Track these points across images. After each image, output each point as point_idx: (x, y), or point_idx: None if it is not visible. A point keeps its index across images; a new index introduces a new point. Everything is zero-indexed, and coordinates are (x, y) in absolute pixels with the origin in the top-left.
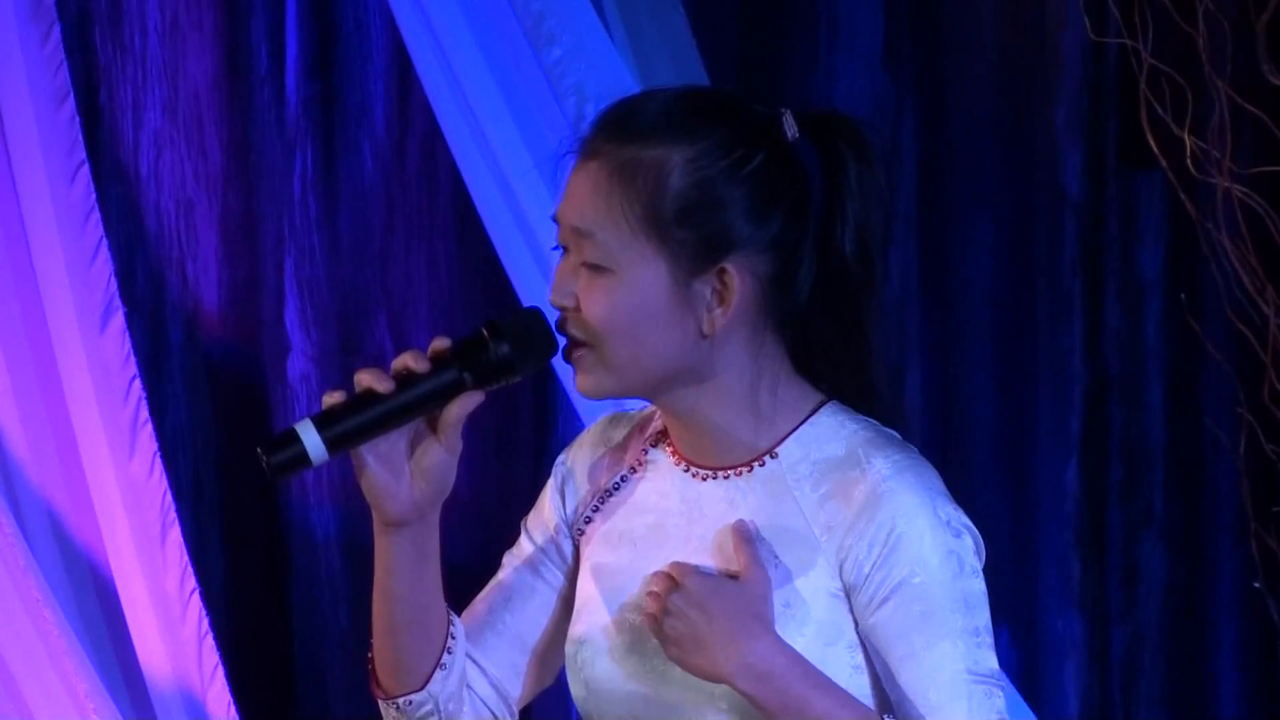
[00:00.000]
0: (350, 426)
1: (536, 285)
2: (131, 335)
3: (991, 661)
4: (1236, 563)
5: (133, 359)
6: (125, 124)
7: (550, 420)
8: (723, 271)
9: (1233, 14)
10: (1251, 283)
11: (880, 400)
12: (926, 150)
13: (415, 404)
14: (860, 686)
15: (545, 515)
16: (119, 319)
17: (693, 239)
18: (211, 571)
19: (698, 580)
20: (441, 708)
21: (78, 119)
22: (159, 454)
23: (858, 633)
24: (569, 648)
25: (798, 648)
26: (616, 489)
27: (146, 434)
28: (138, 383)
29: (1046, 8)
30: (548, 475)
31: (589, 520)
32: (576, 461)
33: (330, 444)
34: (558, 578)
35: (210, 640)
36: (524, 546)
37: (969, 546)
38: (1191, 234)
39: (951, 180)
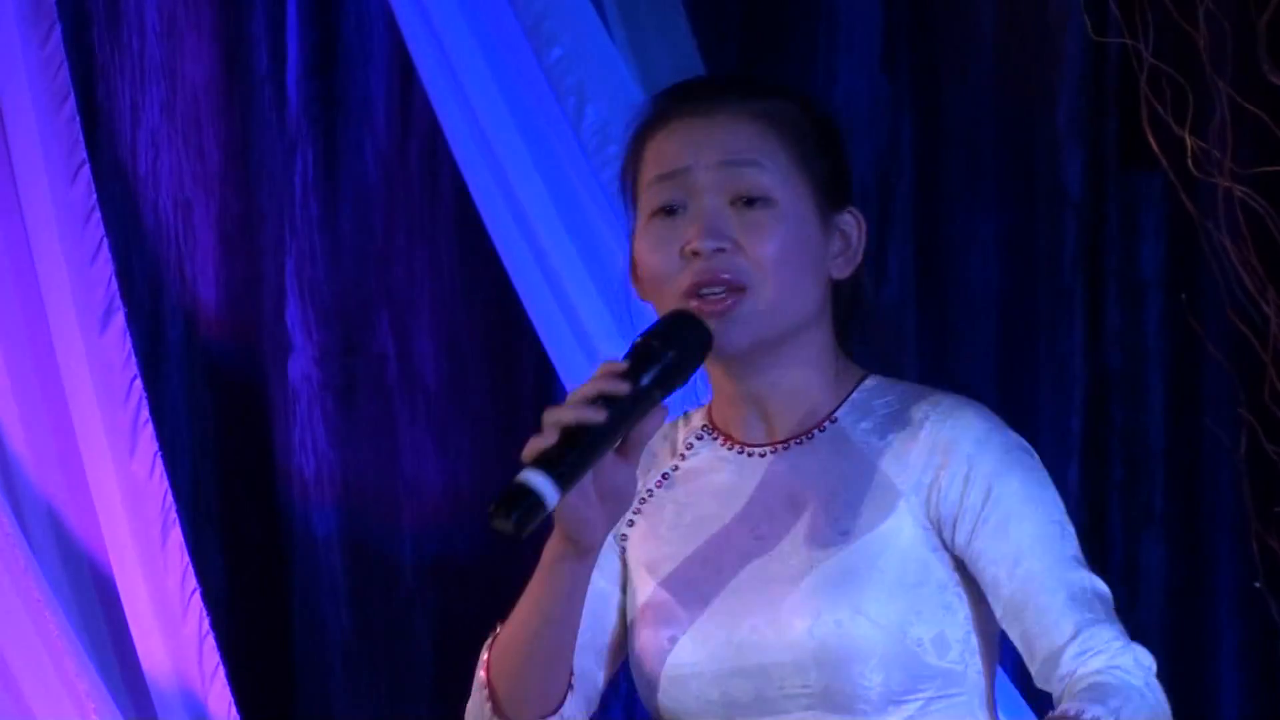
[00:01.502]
0: (573, 461)
1: (537, 284)
2: (130, 335)
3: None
4: (1237, 563)
5: (133, 359)
6: (123, 124)
7: None
8: (851, 212)
9: (1233, 14)
10: (1252, 283)
11: None
12: (926, 151)
13: (621, 426)
14: (953, 626)
15: None
16: (119, 319)
17: (829, 172)
18: (212, 571)
19: None
20: None
21: (78, 119)
22: (159, 454)
23: (955, 571)
24: (643, 646)
25: (886, 593)
26: (659, 486)
27: (147, 434)
28: (138, 383)
29: (1046, 8)
30: None
31: (631, 524)
32: None
33: (561, 482)
34: (613, 584)
35: (210, 640)
36: None
37: (1038, 459)
38: (1192, 234)
39: (951, 180)
